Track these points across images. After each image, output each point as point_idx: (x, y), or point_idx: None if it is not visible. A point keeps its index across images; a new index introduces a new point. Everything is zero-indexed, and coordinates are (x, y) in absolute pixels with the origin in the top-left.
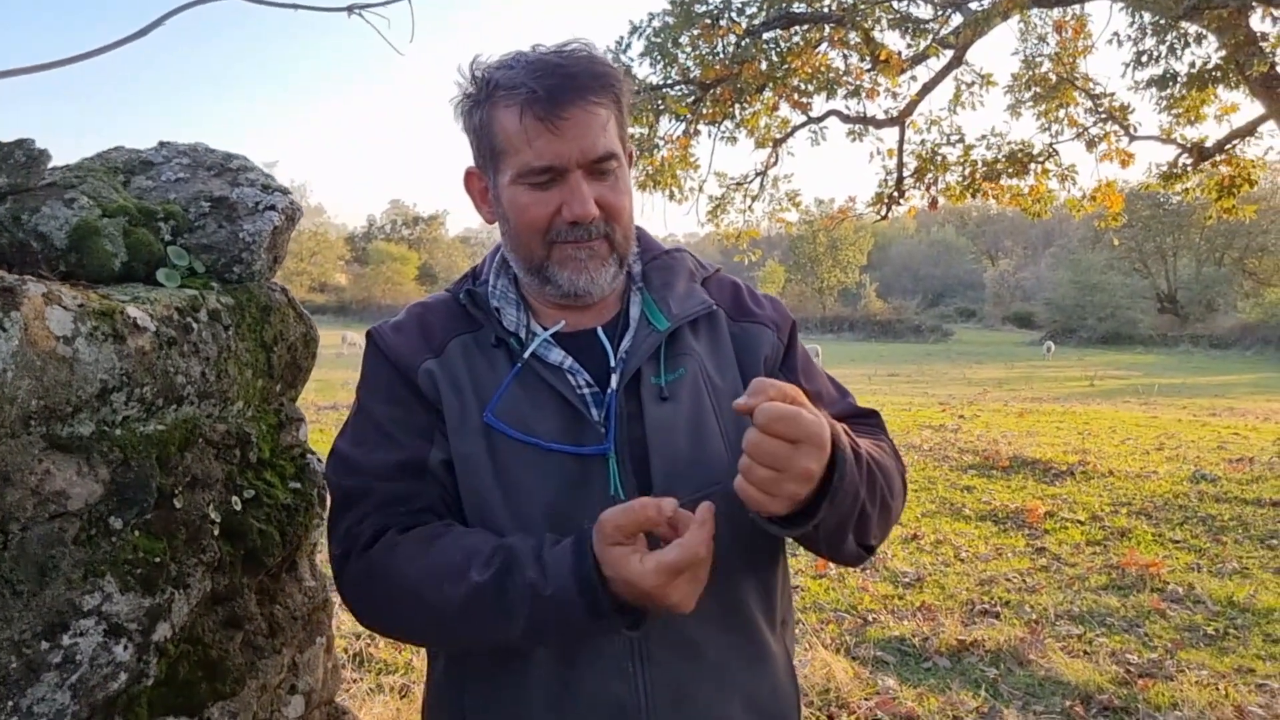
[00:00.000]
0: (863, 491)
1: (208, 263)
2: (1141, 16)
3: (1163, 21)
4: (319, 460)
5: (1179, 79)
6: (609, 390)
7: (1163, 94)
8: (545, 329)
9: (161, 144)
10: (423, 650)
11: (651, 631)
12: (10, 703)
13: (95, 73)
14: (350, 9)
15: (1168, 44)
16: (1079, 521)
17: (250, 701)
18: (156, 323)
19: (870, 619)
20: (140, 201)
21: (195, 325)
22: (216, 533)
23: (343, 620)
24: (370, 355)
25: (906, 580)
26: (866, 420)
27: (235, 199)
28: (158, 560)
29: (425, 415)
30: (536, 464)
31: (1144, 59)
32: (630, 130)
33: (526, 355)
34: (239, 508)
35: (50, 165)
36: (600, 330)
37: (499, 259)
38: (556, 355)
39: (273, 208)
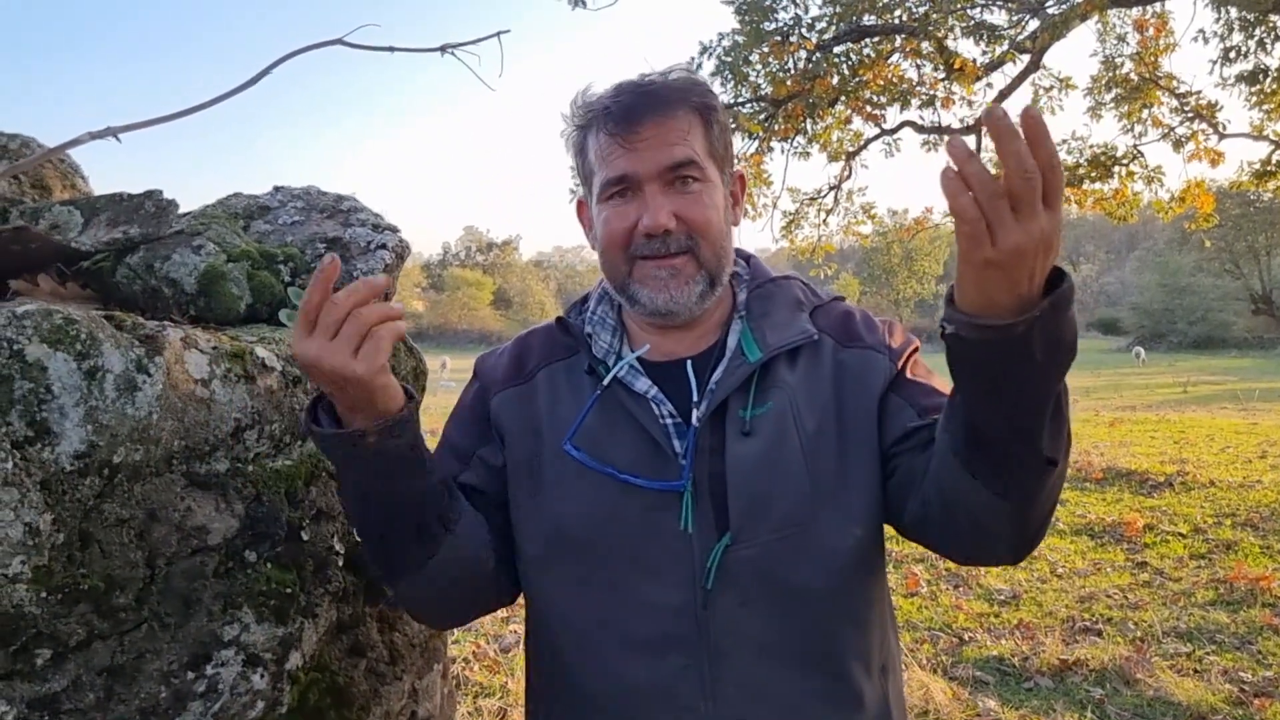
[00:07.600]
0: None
1: None
2: (1228, 12)
3: (1251, 16)
4: None
5: (1270, 74)
6: (692, 424)
7: (1253, 90)
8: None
9: (276, 189)
10: (518, 673)
11: (725, 671)
12: None
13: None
14: (443, 49)
15: (1256, 39)
16: (1181, 534)
17: None
18: (282, 362)
19: (966, 638)
20: (260, 245)
21: None
22: (341, 563)
23: None
24: (472, 378)
25: (1002, 598)
26: None
27: (348, 239)
28: (289, 591)
29: (478, 441)
30: (611, 494)
31: (1232, 55)
32: None
33: (605, 382)
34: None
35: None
36: (689, 363)
37: (604, 284)
38: (642, 384)
39: (384, 246)
